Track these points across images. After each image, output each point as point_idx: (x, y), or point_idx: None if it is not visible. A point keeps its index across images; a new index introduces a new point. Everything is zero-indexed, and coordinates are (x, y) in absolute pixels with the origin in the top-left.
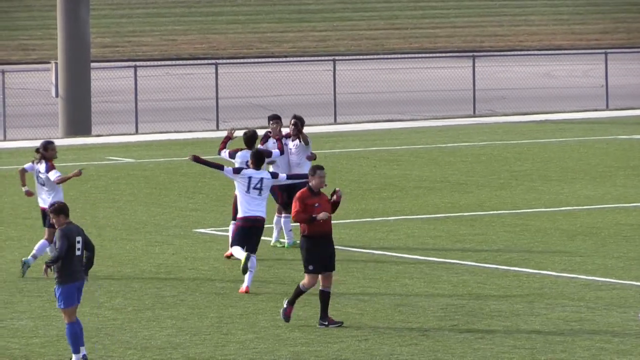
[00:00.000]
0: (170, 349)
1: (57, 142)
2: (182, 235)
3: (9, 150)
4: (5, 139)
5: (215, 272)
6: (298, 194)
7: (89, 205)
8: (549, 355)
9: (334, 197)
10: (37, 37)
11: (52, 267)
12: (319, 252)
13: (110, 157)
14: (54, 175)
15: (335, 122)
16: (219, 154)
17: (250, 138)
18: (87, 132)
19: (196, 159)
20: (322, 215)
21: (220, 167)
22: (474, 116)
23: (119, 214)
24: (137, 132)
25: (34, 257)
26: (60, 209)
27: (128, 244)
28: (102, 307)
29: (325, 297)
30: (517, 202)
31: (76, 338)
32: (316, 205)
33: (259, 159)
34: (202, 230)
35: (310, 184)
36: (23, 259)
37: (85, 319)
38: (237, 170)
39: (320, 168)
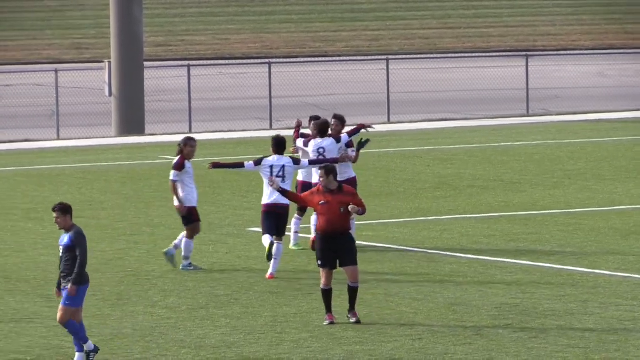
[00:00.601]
0: (224, 348)
1: (111, 141)
2: (236, 234)
3: (62, 149)
4: (58, 138)
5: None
6: (314, 188)
7: (143, 204)
8: (602, 355)
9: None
10: (91, 36)
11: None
12: (327, 247)
13: (164, 156)
14: (170, 175)
15: (389, 122)
16: (294, 143)
17: (322, 126)
18: (140, 131)
19: (215, 165)
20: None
21: (240, 165)
22: (528, 115)
23: (172, 213)
24: (190, 131)
25: (175, 247)
26: (67, 209)
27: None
28: (157, 306)
29: (350, 291)
30: (571, 202)
31: (78, 333)
32: (321, 202)
33: (279, 145)
34: (256, 229)
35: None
36: (164, 250)
37: (140, 318)
38: (257, 162)
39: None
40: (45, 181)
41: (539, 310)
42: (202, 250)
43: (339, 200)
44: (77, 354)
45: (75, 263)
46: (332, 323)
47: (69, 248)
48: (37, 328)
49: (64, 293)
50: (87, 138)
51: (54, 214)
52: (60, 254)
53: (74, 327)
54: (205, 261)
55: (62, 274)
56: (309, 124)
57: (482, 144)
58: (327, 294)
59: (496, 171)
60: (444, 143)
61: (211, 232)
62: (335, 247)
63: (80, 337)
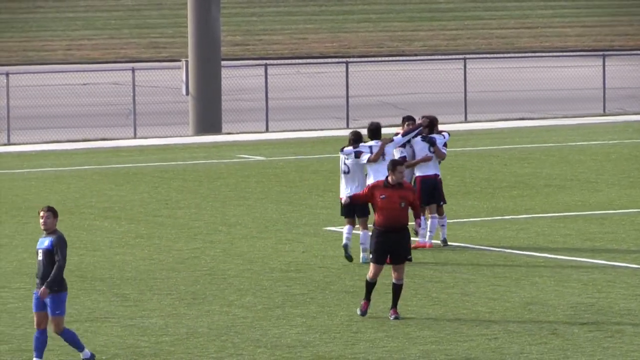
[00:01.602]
0: (300, 347)
1: (188, 140)
2: (313, 234)
3: (139, 148)
4: (135, 137)
5: (346, 270)
6: (374, 182)
7: (219, 203)
8: None
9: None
10: (168, 35)
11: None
12: (381, 242)
13: (241, 155)
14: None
15: (466, 120)
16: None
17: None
18: (217, 130)
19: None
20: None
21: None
22: (604, 115)
23: (249, 212)
24: (267, 130)
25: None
26: (56, 212)
27: (258, 242)
28: (232, 305)
29: (394, 289)
30: None
31: (76, 341)
32: (382, 196)
33: (375, 132)
34: (333, 229)
35: (388, 178)
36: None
37: (215, 317)
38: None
39: (400, 164)
40: (122, 180)
41: (615, 310)
42: (279, 249)
43: (400, 195)
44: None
45: (52, 267)
46: (365, 313)
47: (48, 252)
48: (113, 327)
49: (50, 303)
50: (163, 137)
51: (43, 213)
52: (39, 258)
53: (71, 336)
54: (282, 260)
55: (39, 278)
56: (402, 124)
57: (559, 143)
58: (371, 286)
59: (573, 170)
60: (521, 142)
61: (288, 232)
62: (391, 243)
63: (77, 345)
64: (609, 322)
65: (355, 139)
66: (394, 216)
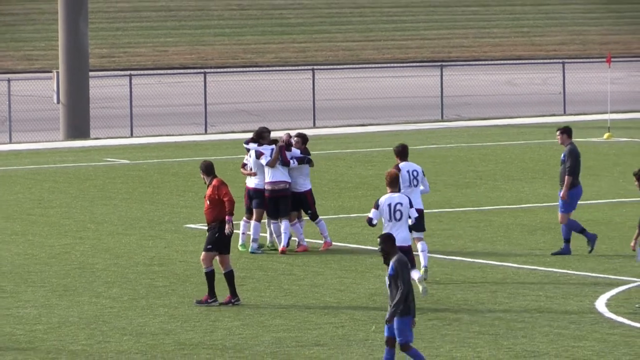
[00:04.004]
0: (162, 335)
1: (58, 145)
2: (174, 230)
3: (14, 152)
4: (10, 142)
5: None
6: None
7: (88, 202)
8: (511, 341)
9: None
10: (41, 48)
11: None
12: None
13: (107, 159)
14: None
15: (314, 126)
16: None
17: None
18: (86, 135)
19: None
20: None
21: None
22: (442, 120)
23: (115, 211)
24: (132, 136)
25: (255, 240)
26: None
27: (124, 238)
28: (100, 297)
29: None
30: (481, 200)
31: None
32: None
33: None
34: (192, 226)
35: None
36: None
37: (85, 308)
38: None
39: None
40: None
41: (452, 300)
42: (143, 245)
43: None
44: None
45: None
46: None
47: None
48: None
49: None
50: (36, 142)
51: None
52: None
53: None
54: (146, 255)
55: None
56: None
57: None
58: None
59: None
60: (365, 146)
61: (151, 229)
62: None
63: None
64: (447, 311)
65: (257, 136)
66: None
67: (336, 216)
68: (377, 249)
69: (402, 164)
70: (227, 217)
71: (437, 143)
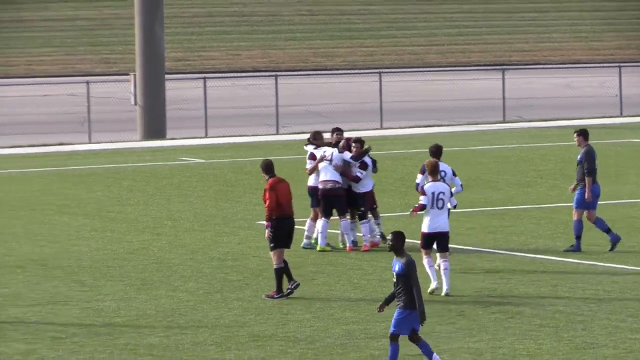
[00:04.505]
0: (237, 327)
1: (136, 145)
2: (247, 227)
3: (93, 152)
4: (90, 142)
5: None
6: None
7: (164, 200)
8: (570, 333)
9: None
10: (118, 52)
11: None
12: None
13: (183, 158)
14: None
15: (382, 127)
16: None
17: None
18: (162, 135)
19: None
20: None
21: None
22: (504, 122)
23: (191, 208)
24: (206, 136)
25: (307, 237)
26: None
27: (199, 235)
28: (177, 290)
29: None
30: (542, 198)
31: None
32: None
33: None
34: (264, 223)
35: None
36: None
37: (162, 301)
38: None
39: None
40: (78, 180)
41: (515, 294)
42: (217, 240)
43: None
44: None
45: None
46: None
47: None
48: (72, 309)
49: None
50: (114, 142)
51: None
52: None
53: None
54: (220, 250)
55: None
56: (332, 134)
57: (463, 147)
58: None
59: (476, 171)
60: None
61: (225, 225)
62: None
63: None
64: (509, 305)
65: (312, 138)
66: None
67: (402, 213)
68: (386, 244)
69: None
70: (265, 223)
71: (499, 143)
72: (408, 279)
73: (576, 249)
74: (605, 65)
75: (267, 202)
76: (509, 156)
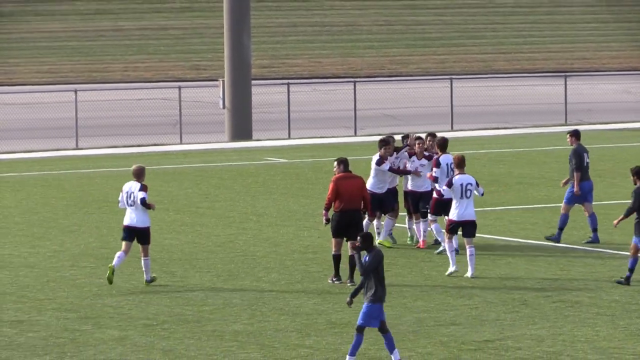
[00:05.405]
0: (316, 315)
1: (224, 146)
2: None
3: (184, 152)
4: (181, 143)
5: None
6: None
7: (250, 197)
8: (626, 321)
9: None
10: (208, 59)
11: None
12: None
13: (268, 158)
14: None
15: (452, 130)
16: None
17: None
18: (248, 137)
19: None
20: None
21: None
22: (566, 125)
23: (274, 204)
24: (289, 137)
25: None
26: None
27: (282, 229)
28: (261, 281)
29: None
30: (600, 195)
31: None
32: None
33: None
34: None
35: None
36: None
37: (247, 291)
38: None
39: None
40: (170, 178)
41: (574, 285)
42: (299, 235)
43: None
44: None
45: None
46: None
47: None
48: (162, 298)
49: None
50: (204, 143)
51: None
52: None
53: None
54: (301, 244)
55: None
56: (402, 140)
57: (528, 148)
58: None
59: (540, 170)
60: (497, 147)
61: (306, 220)
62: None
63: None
64: (569, 295)
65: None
66: None
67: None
68: (354, 246)
69: (442, 157)
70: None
71: (561, 145)
72: (377, 274)
73: (556, 239)
74: None
75: (327, 194)
76: (566, 155)
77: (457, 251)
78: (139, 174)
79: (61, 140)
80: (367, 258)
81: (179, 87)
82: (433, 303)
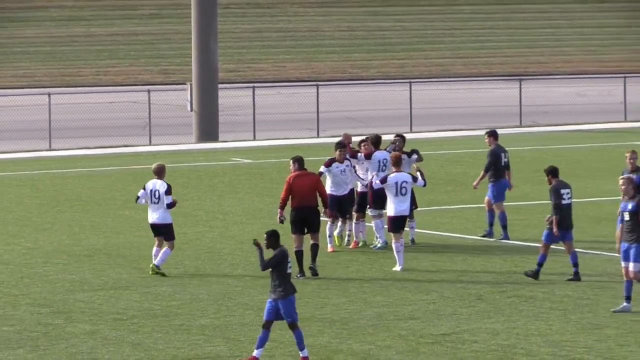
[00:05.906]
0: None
1: (191, 147)
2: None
3: (153, 153)
4: (150, 144)
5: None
6: None
7: (216, 196)
8: (578, 315)
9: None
10: (176, 64)
11: None
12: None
13: (234, 159)
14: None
15: (411, 131)
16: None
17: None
18: (215, 139)
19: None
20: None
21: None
22: (520, 126)
23: (240, 203)
24: (254, 139)
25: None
26: None
27: (247, 227)
28: (227, 277)
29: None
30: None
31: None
32: None
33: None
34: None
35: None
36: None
37: (213, 286)
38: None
39: None
40: (140, 178)
41: (528, 280)
42: (264, 232)
43: None
44: None
45: None
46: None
47: None
48: (132, 294)
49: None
50: (173, 144)
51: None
52: None
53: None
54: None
55: None
56: (359, 145)
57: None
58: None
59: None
60: (454, 148)
61: (270, 219)
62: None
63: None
64: (523, 290)
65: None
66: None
67: (429, 208)
68: (257, 243)
69: (375, 153)
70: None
71: (516, 146)
72: (280, 271)
73: (504, 237)
74: (612, 76)
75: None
76: (524, 157)
77: (386, 243)
78: (159, 172)
79: (35, 141)
80: (276, 256)
81: (149, 91)
82: (392, 298)
